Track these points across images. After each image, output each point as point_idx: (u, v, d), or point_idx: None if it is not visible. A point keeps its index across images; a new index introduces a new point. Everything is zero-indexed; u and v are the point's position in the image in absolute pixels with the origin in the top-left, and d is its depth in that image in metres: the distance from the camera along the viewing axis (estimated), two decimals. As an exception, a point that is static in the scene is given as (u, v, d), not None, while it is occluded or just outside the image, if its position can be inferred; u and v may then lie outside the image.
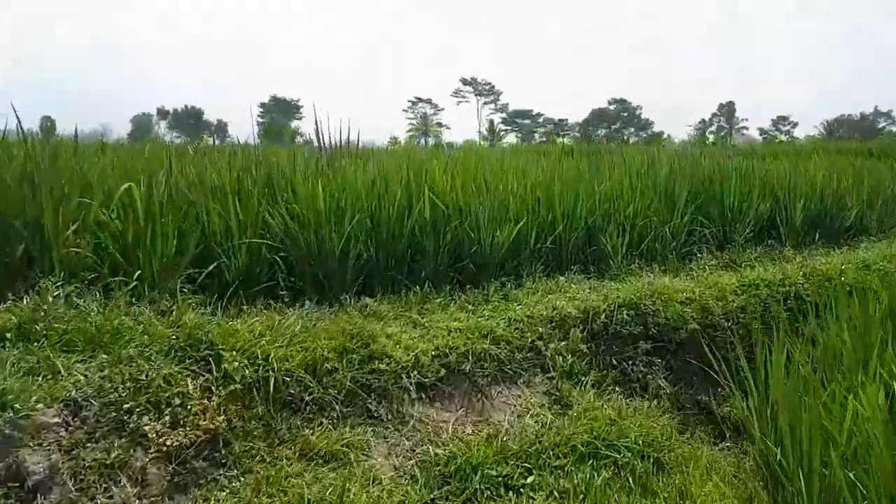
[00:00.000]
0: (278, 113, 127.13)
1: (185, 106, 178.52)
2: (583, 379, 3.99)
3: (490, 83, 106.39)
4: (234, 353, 3.09)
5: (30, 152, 3.76)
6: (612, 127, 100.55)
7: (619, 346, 4.36)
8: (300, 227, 4.20)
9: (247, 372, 3.05)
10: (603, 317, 4.37)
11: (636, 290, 4.75)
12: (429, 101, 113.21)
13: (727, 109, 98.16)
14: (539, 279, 4.99)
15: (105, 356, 2.85)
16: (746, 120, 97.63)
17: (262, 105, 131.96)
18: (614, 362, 4.26)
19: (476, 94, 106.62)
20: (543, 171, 6.06)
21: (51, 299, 3.12)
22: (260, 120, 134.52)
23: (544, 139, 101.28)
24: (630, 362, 4.32)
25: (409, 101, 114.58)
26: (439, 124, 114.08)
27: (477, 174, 5.30)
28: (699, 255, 6.12)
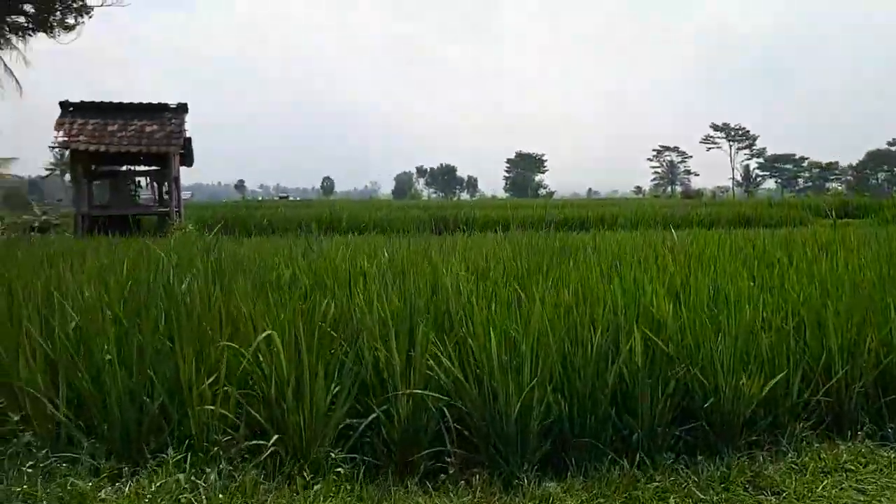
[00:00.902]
0: (523, 167, 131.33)
1: (441, 164, 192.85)
2: None
3: (744, 128, 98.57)
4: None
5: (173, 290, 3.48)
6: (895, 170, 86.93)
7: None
8: (471, 372, 3.38)
9: None
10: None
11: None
12: (675, 149, 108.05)
13: None
14: (807, 447, 3.56)
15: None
16: None
17: (509, 160, 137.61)
18: None
19: (728, 140, 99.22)
20: (806, 273, 4.57)
21: (169, 480, 2.68)
22: (507, 174, 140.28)
23: (808, 184, 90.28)
24: None
25: (654, 149, 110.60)
26: (687, 172, 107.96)
27: (713, 298, 4.03)
28: None
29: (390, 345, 3.38)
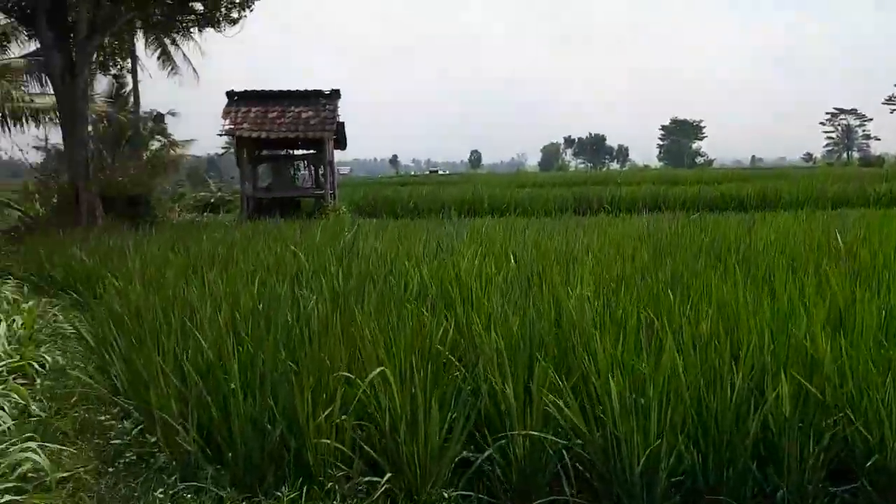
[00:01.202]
0: (679, 135, 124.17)
1: (589, 133, 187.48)
2: None
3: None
4: None
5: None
6: None
7: None
8: (592, 414, 3.17)
9: None
10: None
11: None
12: (853, 111, 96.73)
13: None
14: None
15: None
16: None
17: (663, 128, 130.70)
18: None
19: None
20: None
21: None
22: (660, 142, 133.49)
23: None
24: None
25: (827, 113, 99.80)
26: (867, 136, 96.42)
27: (883, 328, 3.48)
28: None
29: (507, 378, 3.26)
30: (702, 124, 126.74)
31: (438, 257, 6.41)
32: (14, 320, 6.08)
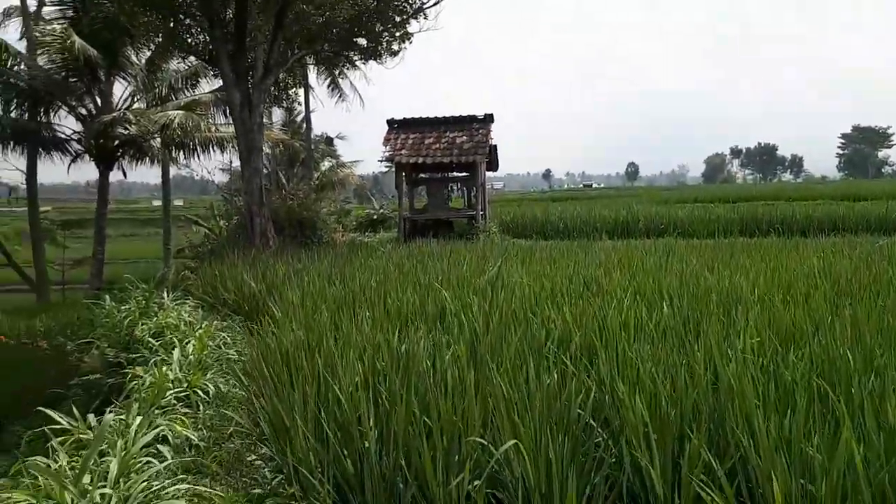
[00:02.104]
0: (863, 143, 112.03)
1: (759, 143, 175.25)
2: None
3: None
4: None
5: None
6: None
7: None
8: None
9: None
10: None
11: None
12: None
13: None
14: None
15: None
16: None
17: (844, 136, 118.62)
18: None
19: None
20: None
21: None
22: (840, 151, 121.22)
23: None
24: None
25: None
26: None
27: None
28: None
29: (654, 454, 2.98)
30: (889, 131, 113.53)
31: (584, 295, 6.14)
32: (189, 342, 6.67)
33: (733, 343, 4.03)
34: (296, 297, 6.79)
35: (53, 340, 9.78)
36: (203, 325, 7.74)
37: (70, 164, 23.23)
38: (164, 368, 5.19)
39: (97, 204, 23.29)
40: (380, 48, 18.98)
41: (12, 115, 22.07)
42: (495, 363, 3.89)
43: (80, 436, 4.09)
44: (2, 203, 23.89)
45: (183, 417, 4.36)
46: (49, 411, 4.36)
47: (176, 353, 5.83)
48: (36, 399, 10.08)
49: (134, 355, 8.17)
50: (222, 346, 7.01)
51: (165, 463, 3.49)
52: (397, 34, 18.54)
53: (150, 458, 3.61)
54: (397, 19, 17.84)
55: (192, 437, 4.12)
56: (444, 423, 3.17)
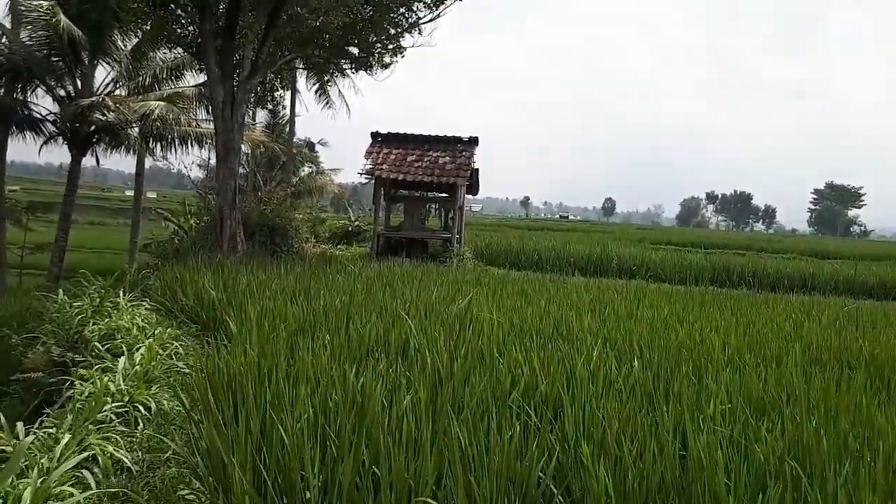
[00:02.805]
0: (834, 200, 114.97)
1: (735, 191, 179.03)
2: None
3: None
4: None
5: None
6: None
7: None
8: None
9: None
10: None
11: None
12: None
13: None
14: None
15: None
16: None
17: (817, 191, 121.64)
18: None
19: None
20: None
21: None
22: (812, 207, 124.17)
23: None
24: None
25: None
26: None
27: None
28: None
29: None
30: (861, 191, 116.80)
31: (553, 338, 5.97)
32: (138, 349, 6.34)
33: (703, 408, 3.88)
34: (255, 312, 6.51)
35: (-2, 331, 9.33)
36: (156, 332, 7.41)
37: (42, 146, 22.60)
38: (106, 379, 4.88)
39: (66, 189, 22.63)
40: (371, 59, 18.85)
41: (-14, 89, 21.44)
42: (456, 409, 3.68)
43: (4, 447, 3.78)
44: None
45: (118, 436, 4.06)
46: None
47: (122, 361, 5.51)
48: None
49: (80, 357, 7.79)
50: (173, 356, 6.69)
51: (88, 493, 3.20)
52: (390, 47, 18.44)
53: (73, 484, 3.32)
54: (392, 32, 17.73)
55: (125, 460, 3.83)
56: (395, 477, 2.94)
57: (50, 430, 3.96)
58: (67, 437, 3.52)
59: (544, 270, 18.18)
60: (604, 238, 36.81)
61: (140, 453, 4.09)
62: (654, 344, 6.12)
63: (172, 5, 16.82)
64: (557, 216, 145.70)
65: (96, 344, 6.55)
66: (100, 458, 3.69)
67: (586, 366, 4.67)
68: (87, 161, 23.43)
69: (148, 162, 29.83)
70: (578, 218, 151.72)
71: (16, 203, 28.00)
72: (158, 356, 6.35)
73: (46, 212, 32.23)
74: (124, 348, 6.18)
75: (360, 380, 4.03)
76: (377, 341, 5.41)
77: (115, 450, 3.82)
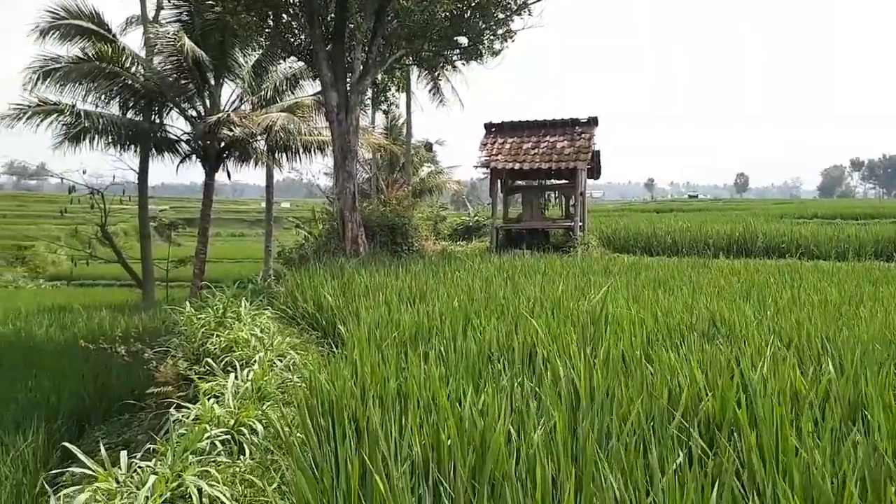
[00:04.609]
0: None
1: (883, 155, 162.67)
2: None
3: None
4: None
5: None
6: None
7: None
8: None
9: None
10: None
11: None
12: None
13: None
14: None
15: None
16: None
17: None
18: None
19: None
20: None
21: None
22: None
23: None
24: None
25: None
26: None
27: None
28: None
29: None
30: None
31: (711, 336, 5.01)
32: (253, 362, 6.08)
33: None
34: (368, 317, 6.05)
35: (132, 346, 9.60)
36: (274, 342, 7.17)
37: (179, 164, 24.00)
38: (210, 403, 4.54)
39: (202, 204, 23.88)
40: (481, 47, 18.21)
41: (129, 115, 23.02)
42: (602, 439, 2.93)
43: (104, 485, 3.48)
44: (115, 201, 24.95)
45: (216, 470, 3.65)
46: (80, 454, 3.79)
47: (230, 379, 5.20)
48: (114, 405, 9.91)
49: (203, 370, 7.75)
50: (291, 367, 6.39)
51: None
52: (499, 32, 17.69)
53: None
54: (500, 16, 16.97)
55: (221, 498, 3.40)
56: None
57: (148, 463, 3.62)
58: (152, 479, 3.13)
59: (680, 254, 16.71)
60: (742, 216, 33.88)
61: (241, 487, 3.67)
62: (836, 338, 4.99)
63: (284, 15, 17.07)
64: (686, 196, 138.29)
65: (208, 360, 6.35)
66: (194, 498, 3.28)
67: (769, 376, 3.71)
68: (225, 177, 24.64)
69: (281, 174, 31.00)
70: (709, 197, 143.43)
71: (162, 221, 30.15)
72: (274, 369, 6.06)
73: (187, 227, 34.57)
74: (236, 364, 5.92)
75: (479, 398, 3.36)
76: (499, 347, 4.73)
77: (210, 486, 3.40)
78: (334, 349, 7.17)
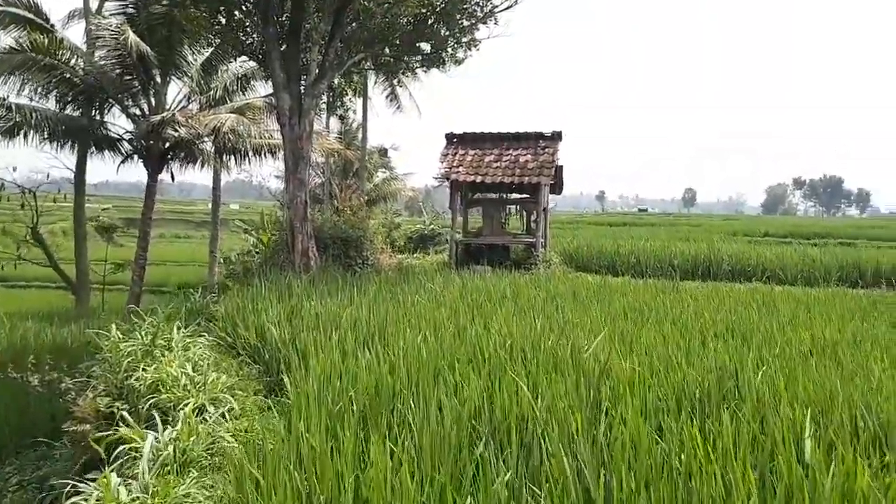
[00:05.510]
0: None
1: (823, 175, 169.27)
2: None
3: None
4: None
5: None
6: None
7: None
8: None
9: None
10: None
11: None
12: None
13: None
14: None
15: None
16: None
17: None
18: None
19: None
20: None
21: None
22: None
23: None
24: None
25: None
26: None
27: None
28: None
29: None
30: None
31: (733, 407, 4.26)
32: (181, 411, 5.11)
33: None
34: (321, 364, 5.14)
35: (46, 375, 8.45)
36: (208, 381, 6.20)
37: (120, 164, 22.47)
38: (115, 483, 3.59)
39: (144, 206, 22.37)
40: (444, 55, 17.46)
41: (67, 111, 21.41)
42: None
43: None
44: (50, 200, 23.26)
45: None
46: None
47: (148, 442, 4.23)
48: (28, 437, 8.68)
49: (128, 407, 6.72)
50: (225, 416, 5.43)
51: None
52: (464, 40, 16.97)
53: None
54: (465, 24, 16.23)
55: None
56: None
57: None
58: None
59: (645, 276, 16.21)
60: (694, 232, 33.95)
61: None
62: (871, 403, 4.29)
63: (236, 12, 15.97)
64: (636, 209, 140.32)
65: (123, 413, 5.36)
66: None
67: (820, 463, 2.97)
68: (171, 175, 23.18)
69: (231, 175, 29.65)
70: (657, 211, 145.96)
71: (102, 221, 28.27)
72: (205, 417, 5.10)
73: (130, 227, 32.68)
74: (157, 419, 4.94)
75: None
76: (480, 417, 3.86)
77: None
78: (277, 391, 6.26)
